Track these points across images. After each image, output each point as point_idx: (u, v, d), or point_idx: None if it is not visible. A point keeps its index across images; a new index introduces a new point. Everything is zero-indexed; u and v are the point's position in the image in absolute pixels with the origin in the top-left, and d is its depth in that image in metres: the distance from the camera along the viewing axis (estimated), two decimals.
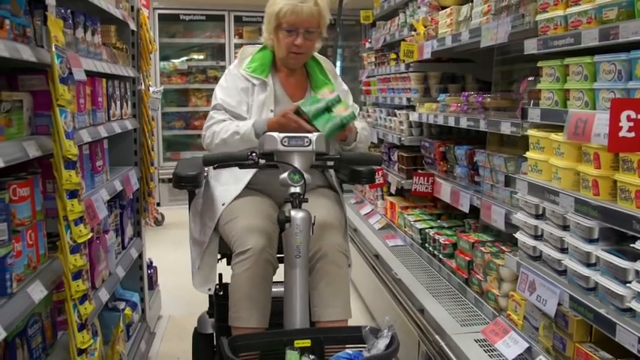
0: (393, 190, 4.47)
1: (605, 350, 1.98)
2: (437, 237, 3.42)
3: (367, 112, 5.39)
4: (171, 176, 6.51)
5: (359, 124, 2.60)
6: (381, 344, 1.80)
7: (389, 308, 3.31)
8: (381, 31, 5.13)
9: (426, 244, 3.62)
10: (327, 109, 2.36)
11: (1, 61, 1.67)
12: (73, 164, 1.87)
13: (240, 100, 2.53)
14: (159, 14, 7.71)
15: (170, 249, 5.60)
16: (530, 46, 2.34)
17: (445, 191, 3.46)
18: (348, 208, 5.25)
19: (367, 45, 5.65)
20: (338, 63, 8.65)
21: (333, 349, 1.94)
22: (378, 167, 4.59)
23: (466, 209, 3.15)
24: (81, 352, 1.99)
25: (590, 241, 1.97)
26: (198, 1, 7.58)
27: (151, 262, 4.04)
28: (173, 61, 8.22)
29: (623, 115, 1.67)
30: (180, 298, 4.28)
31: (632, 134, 1.67)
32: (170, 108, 8.11)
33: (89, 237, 2.00)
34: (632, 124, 1.67)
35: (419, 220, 3.83)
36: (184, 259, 2.60)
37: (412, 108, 4.10)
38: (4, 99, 1.75)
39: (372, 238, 4.20)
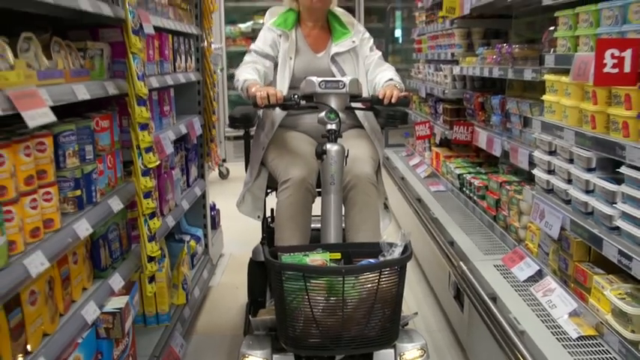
0: (437, 140, 4.73)
1: (600, 268, 2.24)
2: (472, 180, 3.69)
3: (418, 68, 5.62)
4: (236, 134, 7.02)
5: (397, 78, 2.87)
6: (396, 253, 2.13)
7: (425, 243, 3.63)
8: None
9: (464, 188, 3.89)
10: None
11: (86, 16, 2.06)
12: (144, 102, 2.27)
13: (269, 46, 2.90)
14: None
15: (233, 199, 5.99)
16: None
17: (482, 138, 3.71)
18: (398, 159, 5.60)
19: (419, 4, 5.84)
20: (398, 22, 8.87)
21: (359, 260, 2.28)
22: (425, 120, 4.86)
23: (498, 153, 3.40)
24: (150, 259, 2.42)
25: (589, 170, 2.22)
26: None
27: (214, 205, 4.48)
28: (239, 25, 8.64)
29: (608, 53, 1.91)
30: (241, 240, 4.68)
31: (616, 70, 1.91)
32: (235, 69, 8.52)
33: (157, 164, 2.40)
34: (615, 61, 1.91)
35: (459, 167, 4.10)
36: None
37: (456, 62, 4.32)
38: (89, 47, 2.16)
39: (417, 185, 4.49)
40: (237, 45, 8.53)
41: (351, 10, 8.46)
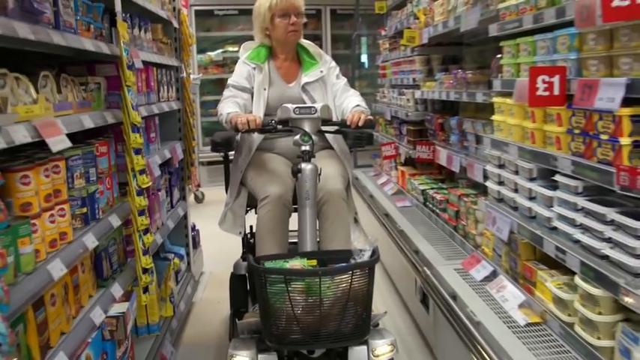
0: (403, 160, 5.06)
1: (545, 265, 2.56)
2: (435, 195, 4.01)
3: (383, 93, 5.97)
4: (210, 159, 7.36)
5: (362, 104, 3.18)
6: (366, 256, 2.42)
7: (393, 254, 3.93)
8: (393, 20, 5.70)
9: (427, 203, 4.21)
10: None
11: (86, 53, 2.34)
12: (138, 129, 2.54)
13: (245, 79, 3.18)
14: (195, 10, 8.43)
15: (210, 221, 6.12)
16: (493, 30, 2.92)
17: (442, 156, 4.04)
18: (367, 179, 5.92)
19: (383, 33, 6.22)
20: (364, 49, 9.27)
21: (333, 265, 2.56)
22: (391, 141, 5.19)
23: (457, 169, 3.73)
24: (145, 270, 2.67)
25: (531, 179, 2.55)
26: None
27: (194, 226, 4.72)
28: (209, 53, 8.94)
29: (540, 79, 2.25)
30: (220, 258, 4.91)
31: (547, 93, 2.25)
32: (207, 97, 8.81)
33: (150, 184, 2.66)
34: (546, 85, 2.25)
35: (422, 184, 4.43)
36: None
37: (417, 87, 4.67)
38: (89, 82, 2.43)
39: (384, 202, 4.81)
40: (208, 73, 8.83)
41: (318, 38, 8.83)
